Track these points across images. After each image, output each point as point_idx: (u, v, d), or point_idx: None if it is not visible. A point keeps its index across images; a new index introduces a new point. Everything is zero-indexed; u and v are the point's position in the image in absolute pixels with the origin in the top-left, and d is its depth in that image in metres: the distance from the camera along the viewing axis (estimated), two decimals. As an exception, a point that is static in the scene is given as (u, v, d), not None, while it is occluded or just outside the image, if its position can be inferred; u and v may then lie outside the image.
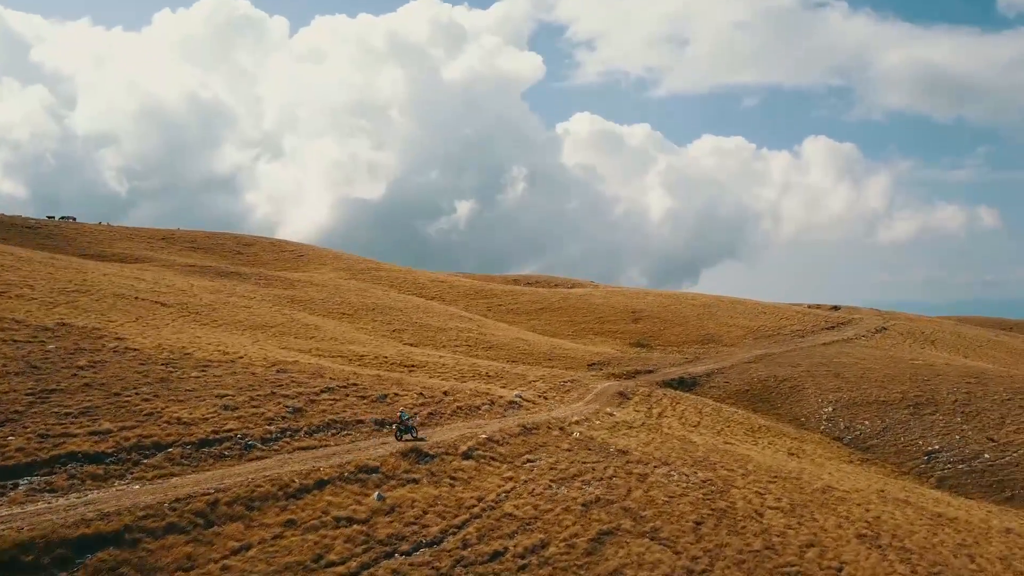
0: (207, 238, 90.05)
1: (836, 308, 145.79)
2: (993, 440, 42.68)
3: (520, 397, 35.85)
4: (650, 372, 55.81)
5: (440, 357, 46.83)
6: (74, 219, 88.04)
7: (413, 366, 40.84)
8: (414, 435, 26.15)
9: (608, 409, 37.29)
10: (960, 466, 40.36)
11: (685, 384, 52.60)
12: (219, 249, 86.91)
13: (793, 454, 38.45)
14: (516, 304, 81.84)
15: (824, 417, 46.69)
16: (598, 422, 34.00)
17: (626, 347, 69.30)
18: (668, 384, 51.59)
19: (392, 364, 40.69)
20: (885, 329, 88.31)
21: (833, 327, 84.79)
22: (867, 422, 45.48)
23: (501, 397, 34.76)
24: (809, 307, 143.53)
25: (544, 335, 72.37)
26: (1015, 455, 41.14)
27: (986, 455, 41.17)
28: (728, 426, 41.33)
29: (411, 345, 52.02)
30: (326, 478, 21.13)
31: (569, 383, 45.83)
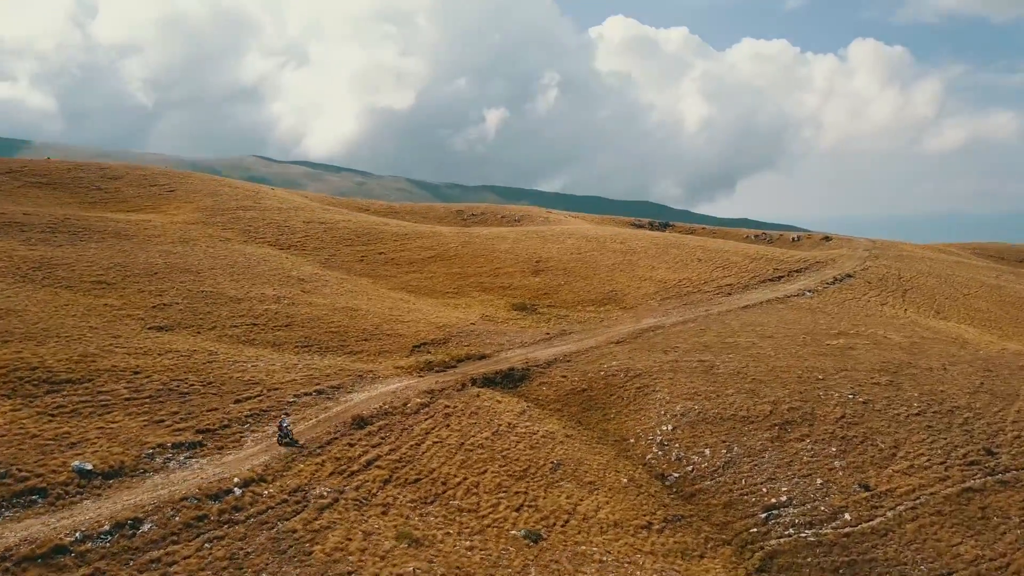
0: (67, 171, 78.68)
1: (828, 239, 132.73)
2: (867, 488, 30.72)
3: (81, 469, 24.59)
4: (482, 359, 44.33)
5: (151, 353, 35.69)
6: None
7: (55, 384, 29.76)
8: None
9: (266, 465, 25.95)
10: (804, 534, 28.63)
11: (511, 379, 41.07)
12: (75, 184, 75.70)
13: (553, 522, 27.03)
14: (402, 253, 69.95)
15: (658, 439, 34.94)
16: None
17: (504, 310, 57.52)
18: (489, 380, 40.16)
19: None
20: (851, 276, 75.57)
21: (780, 278, 71.96)
22: (707, 451, 33.65)
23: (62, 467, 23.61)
24: (796, 239, 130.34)
25: (415, 293, 60.83)
26: (887, 516, 29.23)
27: (846, 515, 29.31)
28: (486, 467, 29.88)
29: (159, 329, 40.87)
30: None
31: (332, 389, 34.77)
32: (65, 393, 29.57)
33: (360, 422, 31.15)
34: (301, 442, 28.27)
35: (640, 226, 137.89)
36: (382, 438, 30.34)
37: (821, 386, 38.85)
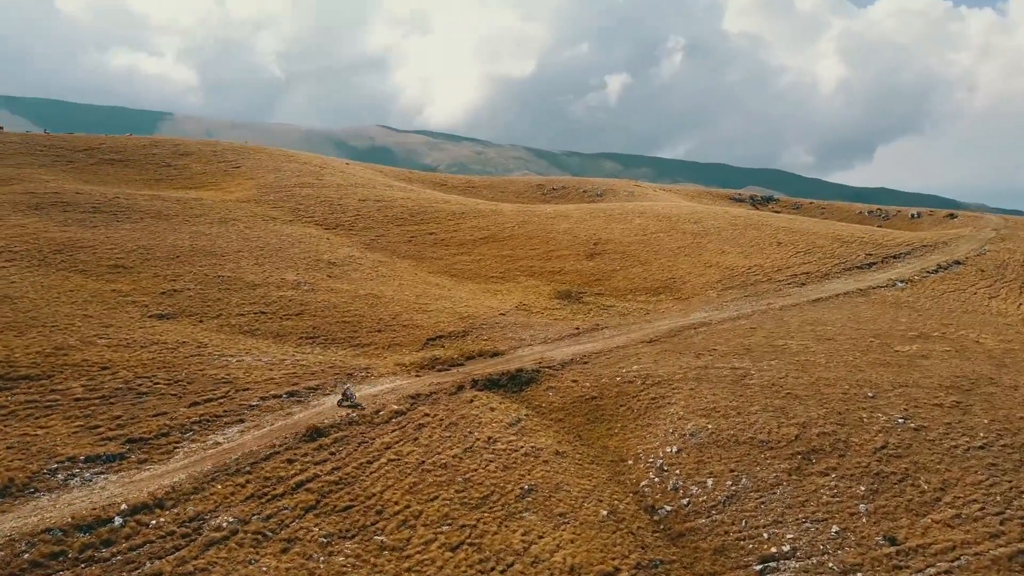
0: (143, 147, 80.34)
1: (952, 216, 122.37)
2: (893, 541, 25.48)
3: None
4: (495, 356, 41.12)
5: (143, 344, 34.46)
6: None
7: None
8: None
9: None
10: (801, 596, 23.90)
11: (518, 382, 37.62)
12: (147, 160, 77.14)
13: None
14: (453, 233, 67.20)
15: (658, 463, 30.66)
16: None
17: (546, 298, 53.87)
18: (493, 382, 36.95)
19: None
20: (961, 263, 67.43)
21: (871, 265, 64.65)
22: (710, 481, 29.12)
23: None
24: (916, 215, 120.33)
25: (458, 277, 58.13)
26: (911, 582, 23.99)
27: (859, 576, 24.31)
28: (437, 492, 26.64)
29: (160, 317, 39.84)
30: None
31: (309, 391, 32.68)
32: (15, 392, 28.48)
33: (314, 433, 28.58)
34: (236, 456, 26.00)
35: (740, 200, 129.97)
36: (331, 453, 27.65)
37: (867, 406, 33.17)
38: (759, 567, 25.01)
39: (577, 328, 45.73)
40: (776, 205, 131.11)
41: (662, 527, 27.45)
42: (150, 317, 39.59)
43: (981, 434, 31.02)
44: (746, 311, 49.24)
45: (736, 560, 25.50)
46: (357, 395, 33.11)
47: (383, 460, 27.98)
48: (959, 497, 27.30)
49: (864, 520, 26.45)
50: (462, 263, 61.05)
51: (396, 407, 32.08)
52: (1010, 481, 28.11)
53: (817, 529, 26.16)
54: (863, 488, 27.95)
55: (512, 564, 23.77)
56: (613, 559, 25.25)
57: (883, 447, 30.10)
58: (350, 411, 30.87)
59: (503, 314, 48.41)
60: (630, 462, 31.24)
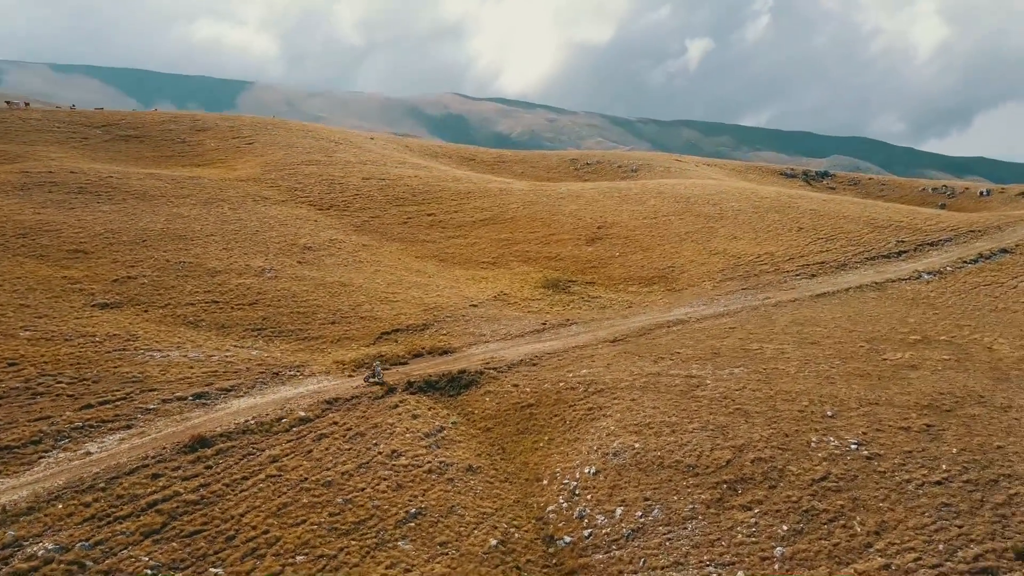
0: (161, 123, 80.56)
1: None
2: (802, 595, 22.36)
3: None
4: (444, 354, 39.08)
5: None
6: None
7: None
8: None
9: None
10: (680, 655, 21.14)
11: (457, 384, 35.48)
12: (163, 137, 77.31)
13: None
14: (453, 215, 64.95)
15: (572, 486, 28.10)
16: None
17: (530, 287, 51.31)
18: (431, 385, 34.98)
19: None
20: (1009, 252, 61.94)
21: (902, 253, 59.76)
22: (619, 510, 26.40)
23: None
24: (985, 192, 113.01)
25: (446, 262, 56.07)
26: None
27: (751, 636, 21.33)
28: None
29: (104, 307, 39.11)
30: None
31: (221, 392, 31.41)
32: (-95, 390, 27.87)
33: (198, 443, 27.07)
34: (97, 469, 24.69)
35: (791, 176, 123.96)
36: (207, 467, 26.09)
37: (822, 427, 29.67)
38: (644, 617, 22.28)
39: (544, 323, 43.08)
40: (831, 181, 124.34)
41: (555, 561, 24.96)
42: (93, 306, 38.85)
43: (943, 466, 27.23)
44: (735, 307, 45.57)
45: (620, 607, 22.82)
46: (273, 396, 31.57)
47: (261, 476, 26.27)
48: (894, 543, 23.85)
49: (776, 567, 23.34)
50: (455, 247, 58.86)
51: (303, 414, 30.34)
52: (960, 526, 24.43)
53: (719, 575, 23.21)
54: (786, 527, 24.75)
55: (359, 604, 21.74)
56: (483, 599, 22.95)
57: (823, 478, 26.71)
58: (249, 419, 29.26)
59: (474, 305, 46.11)
60: (545, 482, 28.73)
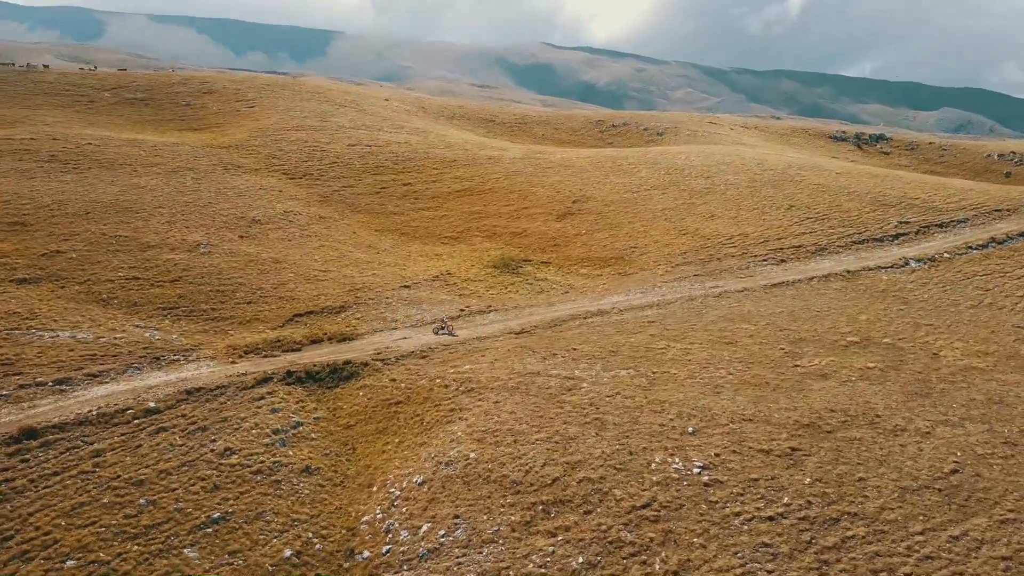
0: (170, 85, 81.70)
1: None
2: (564, 639, 20.94)
3: None
4: (343, 341, 38.58)
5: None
6: None
7: None
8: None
9: None
10: None
11: (338, 376, 34.90)
12: (168, 99, 78.48)
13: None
14: (431, 185, 63.70)
15: (397, 495, 27.18)
16: None
17: (479, 266, 49.99)
18: (311, 375, 34.57)
19: None
20: None
21: (899, 236, 55.76)
22: (426, 527, 25.36)
23: None
24: None
25: (408, 236, 55.24)
26: None
27: None
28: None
29: (21, 282, 40.01)
30: None
31: (86, 377, 31.85)
32: None
33: (25, 435, 27.36)
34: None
35: (843, 139, 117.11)
36: (22, 461, 26.33)
37: (674, 445, 27.65)
38: (400, 648, 21.33)
39: (463, 310, 41.77)
40: (885, 145, 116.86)
41: (352, 578, 24.18)
42: (11, 281, 39.74)
43: (785, 499, 24.94)
44: (671, 297, 43.06)
45: (383, 635, 21.91)
46: (137, 384, 31.65)
47: (74, 472, 26.32)
48: (699, 589, 22.01)
49: (553, 608, 21.89)
50: (421, 219, 57.76)
51: (154, 404, 30.27)
52: (770, 572, 22.34)
53: (490, 612, 21.96)
54: (582, 560, 23.19)
55: (108, 616, 21.55)
56: (248, 616, 22.43)
57: (645, 505, 24.88)
58: (92, 410, 29.34)
59: (406, 287, 45.14)
60: (374, 489, 27.88)
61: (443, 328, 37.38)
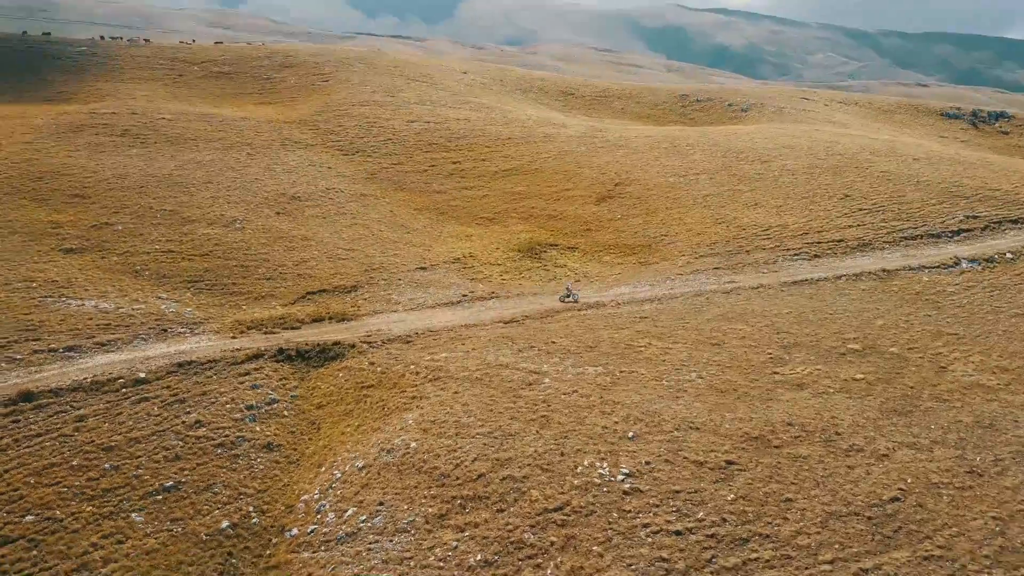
0: (255, 59, 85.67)
1: None
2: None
3: None
4: (341, 321, 40.44)
5: None
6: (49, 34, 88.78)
7: None
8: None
9: None
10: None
11: (326, 356, 36.73)
12: (251, 73, 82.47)
13: None
14: (479, 163, 64.42)
15: (338, 477, 28.68)
16: None
17: (503, 250, 50.67)
18: (301, 354, 36.62)
19: None
20: None
21: (960, 232, 52.40)
22: (351, 510, 26.62)
23: None
24: None
25: (445, 215, 56.49)
26: None
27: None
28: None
29: (68, 251, 43.90)
30: None
31: (96, 346, 35.00)
32: None
33: (21, 398, 30.50)
34: None
35: (956, 117, 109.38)
36: (13, 422, 29.40)
37: (607, 450, 27.66)
38: (294, 625, 22.84)
39: (465, 295, 42.61)
40: (1005, 123, 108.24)
41: (268, 552, 25.91)
42: (60, 251, 43.68)
43: (701, 514, 24.63)
44: (680, 291, 42.24)
45: (284, 611, 23.46)
46: (136, 354, 34.41)
47: (55, 434, 29.17)
48: (571, 596, 22.31)
49: (440, 601, 22.75)
50: (462, 199, 58.68)
51: (144, 375, 32.89)
52: (654, 588, 22.30)
53: (380, 598, 23.05)
54: (479, 558, 23.86)
55: None
56: (170, 581, 24.51)
57: (557, 508, 25.18)
58: (87, 377, 32.19)
59: (423, 268, 46.38)
60: (322, 469, 29.43)
61: (569, 295, 40.56)
